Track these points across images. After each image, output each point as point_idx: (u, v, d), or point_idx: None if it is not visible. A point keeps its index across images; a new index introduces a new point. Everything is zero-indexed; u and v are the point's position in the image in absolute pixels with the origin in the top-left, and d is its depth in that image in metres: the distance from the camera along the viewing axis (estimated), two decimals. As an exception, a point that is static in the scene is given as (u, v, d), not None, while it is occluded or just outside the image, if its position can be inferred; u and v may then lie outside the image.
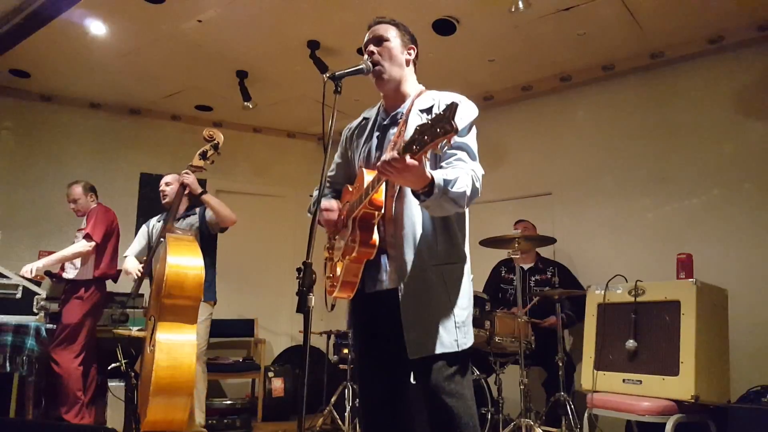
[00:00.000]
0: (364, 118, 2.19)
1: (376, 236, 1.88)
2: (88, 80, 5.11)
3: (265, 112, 5.69)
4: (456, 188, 1.68)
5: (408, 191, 1.87)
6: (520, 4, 3.53)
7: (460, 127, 1.87)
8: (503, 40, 4.26)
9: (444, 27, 4.07)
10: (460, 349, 1.83)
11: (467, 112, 1.90)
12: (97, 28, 4.18)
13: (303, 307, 1.85)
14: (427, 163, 1.67)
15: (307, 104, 5.40)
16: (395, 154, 1.57)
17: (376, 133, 2.07)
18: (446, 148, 1.69)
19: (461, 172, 1.75)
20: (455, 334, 1.82)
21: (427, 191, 1.65)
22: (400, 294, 1.83)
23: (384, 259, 1.93)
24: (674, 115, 4.28)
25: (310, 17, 4.03)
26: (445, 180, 1.66)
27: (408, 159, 1.55)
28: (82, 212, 4.34)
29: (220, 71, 4.85)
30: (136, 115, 5.75)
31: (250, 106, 5.01)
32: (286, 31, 4.21)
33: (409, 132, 1.87)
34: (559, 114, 4.91)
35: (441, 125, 1.49)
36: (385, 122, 2.06)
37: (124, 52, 4.54)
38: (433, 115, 1.50)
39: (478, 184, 1.78)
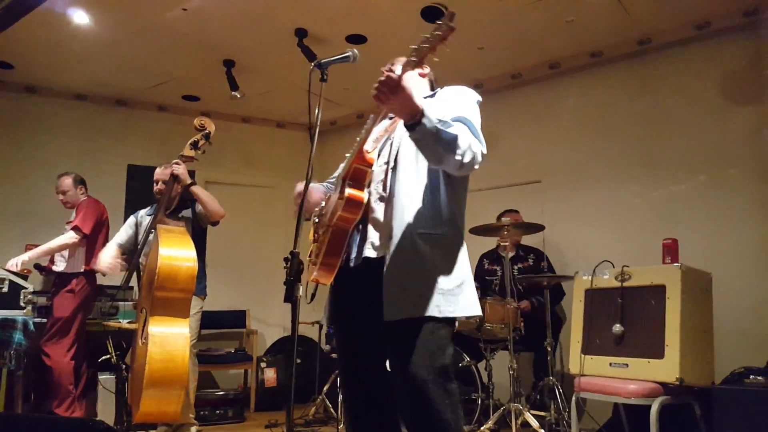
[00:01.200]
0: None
1: (365, 194, 1.83)
2: (72, 71, 5.06)
3: (254, 102, 5.66)
4: (450, 130, 1.65)
5: (402, 161, 1.86)
6: (508, -9, 3.52)
7: (460, 103, 1.86)
8: (492, 28, 4.26)
9: (432, 14, 4.05)
10: (441, 315, 1.74)
11: (470, 94, 1.92)
12: (80, 17, 4.14)
13: (291, 297, 1.85)
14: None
15: (296, 93, 5.37)
16: (390, 70, 1.56)
17: (385, 121, 2.07)
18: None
19: (458, 125, 1.71)
20: (437, 299, 1.75)
21: (417, 122, 1.61)
22: (386, 259, 1.78)
23: (363, 228, 1.88)
24: (661, 102, 4.31)
25: (297, 5, 4.00)
26: (439, 119, 1.63)
27: (403, 78, 1.54)
28: (71, 204, 4.32)
29: (207, 60, 4.81)
30: (122, 106, 5.70)
31: (238, 96, 4.97)
32: (273, 19, 4.18)
33: None
34: (548, 101, 4.92)
35: (439, 28, 1.48)
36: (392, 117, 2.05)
37: (109, 41, 4.49)
38: (434, 26, 1.50)
39: (476, 149, 1.72)
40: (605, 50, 4.51)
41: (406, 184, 1.85)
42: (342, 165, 2.25)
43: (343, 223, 1.84)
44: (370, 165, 1.84)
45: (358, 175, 1.84)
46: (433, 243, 1.82)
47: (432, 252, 1.80)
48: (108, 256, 3.62)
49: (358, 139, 1.92)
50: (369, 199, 1.88)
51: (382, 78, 1.59)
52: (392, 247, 1.79)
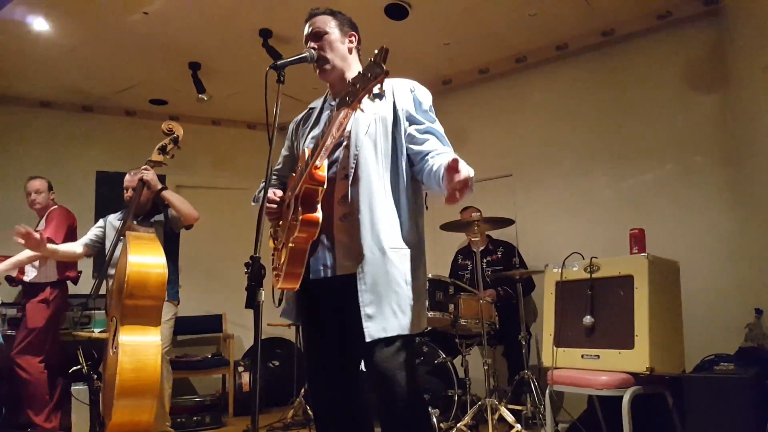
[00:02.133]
0: (311, 108, 2.17)
1: (319, 213, 1.82)
2: (36, 78, 4.96)
3: (223, 104, 5.60)
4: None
5: (363, 173, 1.85)
6: (469, -15, 3.52)
7: (422, 109, 1.92)
8: (457, 23, 4.25)
9: (396, 11, 4.04)
10: (412, 332, 1.81)
11: (425, 95, 1.97)
12: (39, 24, 4.07)
13: (252, 303, 1.83)
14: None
15: (264, 94, 5.31)
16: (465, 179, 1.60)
17: (325, 114, 2.05)
18: (378, 92, 1.63)
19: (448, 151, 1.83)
20: (410, 316, 1.81)
21: None
22: (358, 278, 1.80)
23: (328, 243, 1.89)
24: (627, 92, 4.34)
25: (260, 5, 3.97)
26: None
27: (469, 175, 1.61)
28: (41, 206, 4.23)
29: (172, 64, 4.75)
30: (88, 113, 5.60)
31: (205, 99, 4.92)
32: (236, 20, 4.13)
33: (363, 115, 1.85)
34: (516, 95, 4.94)
35: (372, 70, 1.50)
36: (333, 105, 2.03)
37: (71, 48, 4.41)
38: (366, 65, 1.53)
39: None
40: (570, 42, 4.53)
41: (371, 200, 1.84)
42: (280, 159, 2.22)
43: (301, 243, 1.85)
44: (321, 183, 1.82)
45: (310, 195, 1.83)
46: (402, 258, 1.84)
47: (402, 267, 1.83)
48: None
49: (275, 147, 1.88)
50: (332, 215, 1.88)
51: (464, 190, 1.62)
52: (364, 265, 1.80)
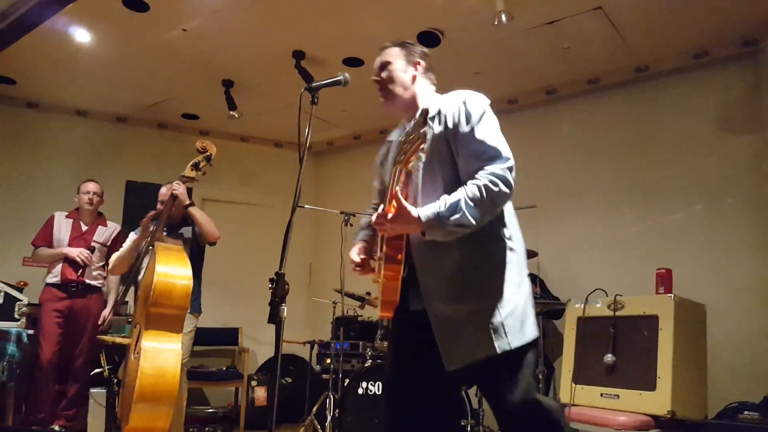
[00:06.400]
0: (389, 142, 2.17)
1: (402, 252, 1.85)
2: (73, 87, 5.10)
3: (253, 122, 5.69)
4: (456, 216, 1.68)
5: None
6: (503, 17, 3.54)
7: (469, 125, 1.86)
8: (488, 53, 4.29)
9: (429, 39, 4.09)
10: (501, 351, 1.73)
11: (474, 106, 1.89)
12: (81, 35, 4.19)
13: (275, 318, 1.87)
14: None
15: (293, 114, 5.27)
16: (378, 215, 1.72)
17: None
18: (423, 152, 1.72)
19: (465, 191, 1.73)
20: (493, 337, 1.74)
21: (423, 231, 1.71)
22: (429, 313, 1.82)
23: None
24: (658, 129, 4.30)
25: (295, 28, 4.04)
26: (437, 213, 1.68)
27: (391, 215, 1.69)
28: (95, 208, 4.41)
29: (206, 80, 4.85)
30: (122, 123, 5.73)
31: (236, 116, 5.01)
32: (271, 41, 4.22)
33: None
34: (544, 127, 4.93)
35: (415, 132, 1.60)
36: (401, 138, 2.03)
37: (110, 59, 4.54)
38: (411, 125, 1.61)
39: (497, 189, 1.74)
40: (602, 77, 4.52)
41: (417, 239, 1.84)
42: (375, 193, 2.23)
43: (391, 281, 1.90)
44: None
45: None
46: (467, 282, 1.81)
47: (469, 291, 1.80)
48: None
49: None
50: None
51: (375, 222, 1.77)
52: (429, 298, 1.83)
